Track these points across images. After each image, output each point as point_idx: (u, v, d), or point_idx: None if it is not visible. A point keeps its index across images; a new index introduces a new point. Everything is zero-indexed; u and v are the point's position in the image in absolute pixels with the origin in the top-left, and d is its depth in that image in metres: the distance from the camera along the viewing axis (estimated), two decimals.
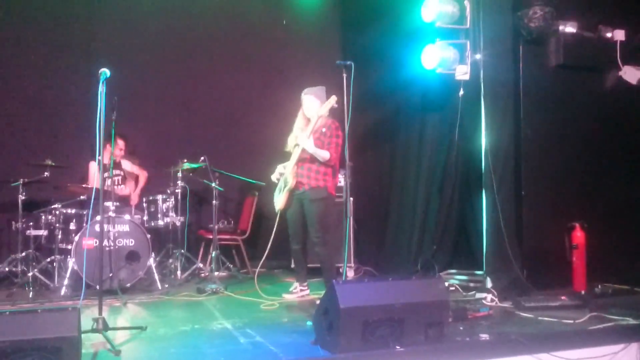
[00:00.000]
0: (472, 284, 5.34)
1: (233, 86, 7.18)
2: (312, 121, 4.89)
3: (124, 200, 6.05)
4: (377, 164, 6.88)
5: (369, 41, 6.61)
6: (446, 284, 5.38)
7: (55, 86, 6.48)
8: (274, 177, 5.11)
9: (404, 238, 6.35)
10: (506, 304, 4.69)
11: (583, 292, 4.94)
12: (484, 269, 5.22)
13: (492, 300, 4.79)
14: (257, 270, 5.25)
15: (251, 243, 6.80)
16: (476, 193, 5.51)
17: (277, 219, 5.03)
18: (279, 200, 5.01)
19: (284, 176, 5.01)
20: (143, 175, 6.37)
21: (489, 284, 5.07)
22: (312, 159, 4.89)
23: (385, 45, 6.26)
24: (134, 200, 6.18)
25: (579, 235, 5.12)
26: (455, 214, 5.97)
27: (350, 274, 6.28)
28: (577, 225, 5.14)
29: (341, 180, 6.14)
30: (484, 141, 5.22)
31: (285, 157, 5.13)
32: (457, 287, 5.29)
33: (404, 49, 5.79)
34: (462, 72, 5.34)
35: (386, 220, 6.67)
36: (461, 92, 5.44)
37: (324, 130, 4.90)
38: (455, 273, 5.79)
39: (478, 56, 5.28)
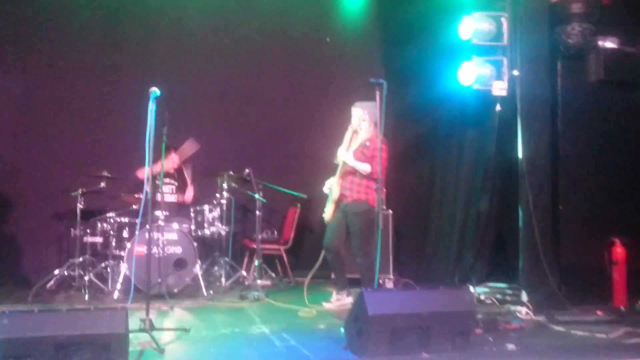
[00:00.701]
0: (508, 297, 5.41)
1: (278, 102, 7.45)
2: (359, 135, 5.12)
3: (175, 208, 6.35)
4: (417, 178, 7.01)
5: (407, 58, 6.79)
6: (482, 296, 5.48)
7: (112, 103, 6.89)
8: (325, 189, 5.35)
9: (443, 250, 6.46)
10: (540, 318, 4.74)
11: (622, 308, 4.93)
12: (520, 282, 5.28)
13: (526, 314, 4.85)
14: (308, 279, 5.43)
15: (293, 253, 7.02)
16: (513, 207, 5.58)
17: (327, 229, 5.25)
18: (328, 211, 5.26)
19: (332, 188, 5.24)
20: (191, 188, 6.67)
21: (524, 297, 5.13)
22: (355, 172, 5.11)
23: (423, 62, 6.43)
24: (188, 196, 6.43)
25: (619, 250, 5.12)
26: (493, 227, 6.03)
27: (390, 285, 6.42)
28: (617, 240, 5.13)
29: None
30: (520, 156, 5.31)
31: (334, 168, 5.35)
32: (493, 299, 5.36)
33: (441, 65, 5.93)
34: (499, 88, 5.45)
35: (426, 233, 6.78)
36: (498, 108, 5.56)
37: (367, 144, 5.11)
38: (492, 285, 5.83)
39: (515, 72, 5.39)
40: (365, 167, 5.05)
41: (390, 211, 6.65)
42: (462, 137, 6.28)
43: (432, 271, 6.45)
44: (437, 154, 6.68)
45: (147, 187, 4.37)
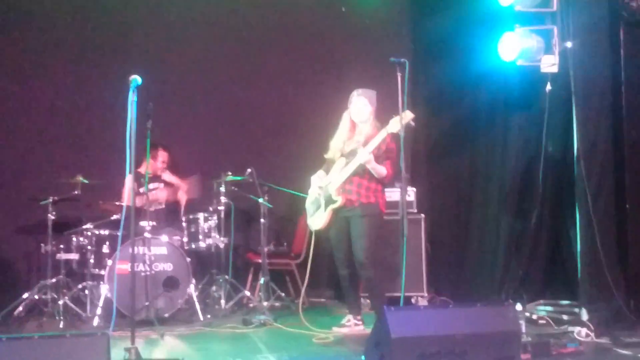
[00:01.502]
0: (565, 316, 5.48)
1: (284, 88, 7.59)
2: (363, 129, 5.21)
3: (165, 216, 6.52)
4: (455, 175, 7.10)
5: (438, 30, 6.89)
6: (534, 315, 5.55)
7: (87, 96, 7.08)
8: (312, 194, 5.45)
9: (486, 262, 6.55)
10: (603, 339, 4.80)
11: None
12: (579, 298, 5.34)
13: (586, 335, 4.90)
14: (301, 299, 5.59)
15: (307, 268, 7.08)
16: (569, 207, 5.64)
17: (313, 240, 5.35)
18: (319, 219, 5.32)
19: (325, 190, 5.31)
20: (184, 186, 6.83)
21: (584, 316, 5.20)
22: (364, 175, 5.21)
23: (457, 35, 6.53)
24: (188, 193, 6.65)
25: None
26: (547, 232, 6.12)
27: (424, 303, 6.49)
28: None
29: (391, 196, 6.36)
30: (576, 146, 5.37)
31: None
32: (549, 319, 5.42)
33: (478, 38, 6.05)
34: (549, 64, 5.53)
35: (466, 241, 6.88)
36: (548, 87, 5.61)
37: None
38: (547, 303, 5.91)
39: (568, 44, 5.45)
40: (382, 171, 5.17)
41: (423, 215, 6.74)
42: (506, 125, 6.37)
43: (475, 287, 6.54)
44: (476, 146, 6.77)
45: (129, 193, 4.53)
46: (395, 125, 4.86)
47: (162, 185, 6.72)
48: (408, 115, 4.83)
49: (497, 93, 6.38)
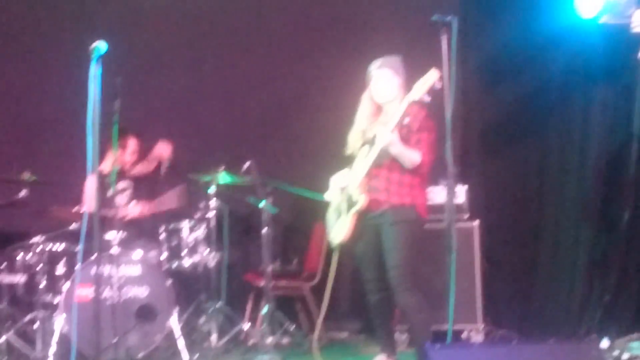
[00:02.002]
0: None
1: (289, 61, 7.62)
2: (388, 109, 5.17)
3: (136, 225, 6.57)
4: (519, 168, 7.07)
5: None
6: (625, 354, 5.52)
7: (36, 72, 7.17)
8: (330, 196, 5.42)
9: (562, 284, 6.51)
10: None
11: None
12: None
13: None
14: (317, 333, 5.56)
15: (324, 293, 7.10)
16: None
17: (337, 256, 5.31)
18: (340, 229, 5.27)
19: (346, 192, 5.28)
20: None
21: None
22: (392, 166, 5.11)
23: None
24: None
25: None
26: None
27: (479, 339, 6.50)
28: None
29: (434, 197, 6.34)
30: None
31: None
32: None
33: None
34: None
35: (534, 257, 6.84)
36: None
37: (406, 120, 5.10)
38: None
39: None
40: (413, 156, 5.05)
41: (477, 222, 6.72)
42: (586, 102, 6.34)
43: (546, 317, 6.50)
44: (547, 130, 6.73)
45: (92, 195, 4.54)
46: (420, 90, 4.89)
47: (131, 184, 6.75)
48: (433, 76, 4.85)
49: (574, 60, 6.35)
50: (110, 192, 6.07)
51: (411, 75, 5.16)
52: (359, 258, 5.38)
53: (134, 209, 6.64)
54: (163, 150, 6.81)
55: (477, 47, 7.11)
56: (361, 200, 5.14)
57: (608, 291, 6.09)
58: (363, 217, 5.21)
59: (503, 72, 6.99)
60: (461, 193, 6.67)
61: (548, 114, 6.75)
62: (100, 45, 4.49)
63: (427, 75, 4.87)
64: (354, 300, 6.95)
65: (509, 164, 7.14)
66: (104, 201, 6.03)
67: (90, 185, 6.20)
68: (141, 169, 6.79)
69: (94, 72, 4.45)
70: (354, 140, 5.37)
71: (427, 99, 4.86)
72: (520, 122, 6.98)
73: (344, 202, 5.30)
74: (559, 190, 6.68)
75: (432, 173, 5.33)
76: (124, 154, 6.65)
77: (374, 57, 5.37)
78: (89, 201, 6.22)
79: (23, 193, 6.08)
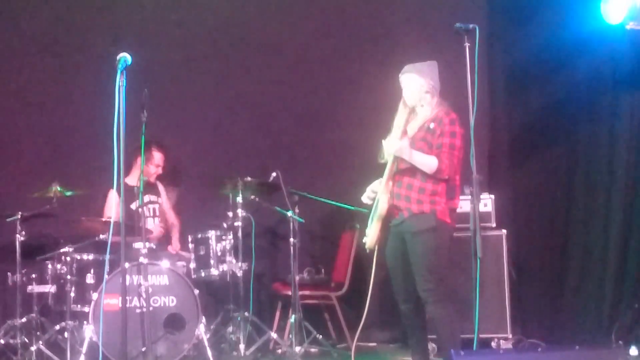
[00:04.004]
0: None
1: (316, 72, 7.66)
2: (418, 114, 5.18)
3: (161, 242, 6.66)
4: (546, 176, 7.08)
5: None
6: None
7: (64, 85, 7.26)
8: (365, 199, 5.43)
9: (591, 293, 6.49)
10: None
11: None
12: None
13: None
14: (354, 345, 5.56)
15: (352, 302, 7.14)
16: None
17: (374, 263, 5.31)
18: (370, 235, 5.27)
19: (377, 197, 5.29)
20: (176, 222, 7.02)
21: None
22: (414, 172, 5.13)
23: None
24: (176, 245, 6.82)
25: None
26: None
27: (507, 347, 6.49)
28: None
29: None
30: None
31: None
32: None
33: None
34: None
35: (563, 266, 6.83)
36: None
37: (431, 126, 5.12)
38: None
39: None
40: (430, 162, 5.05)
41: (504, 231, 6.73)
42: (615, 108, 6.33)
43: (576, 325, 6.49)
44: (575, 137, 6.73)
45: (117, 207, 4.58)
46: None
47: (159, 199, 6.86)
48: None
49: (602, 66, 6.35)
50: (135, 205, 6.14)
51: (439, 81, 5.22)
52: (388, 265, 5.34)
53: (157, 229, 6.77)
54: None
55: (504, 54, 7.15)
56: (382, 206, 5.14)
57: (638, 299, 6.09)
58: (386, 224, 5.21)
59: (530, 79, 7.03)
60: (488, 202, 6.67)
61: (576, 121, 6.75)
62: (126, 57, 4.56)
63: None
64: (384, 309, 6.93)
65: (536, 172, 7.15)
66: (129, 213, 6.05)
67: (113, 197, 6.33)
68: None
69: (120, 82, 4.52)
70: (388, 145, 5.22)
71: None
72: (548, 129, 6.99)
73: (374, 208, 5.32)
74: (587, 198, 6.67)
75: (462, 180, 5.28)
76: (148, 167, 6.72)
77: (401, 66, 5.40)
78: (110, 212, 6.26)
79: (52, 204, 6.13)
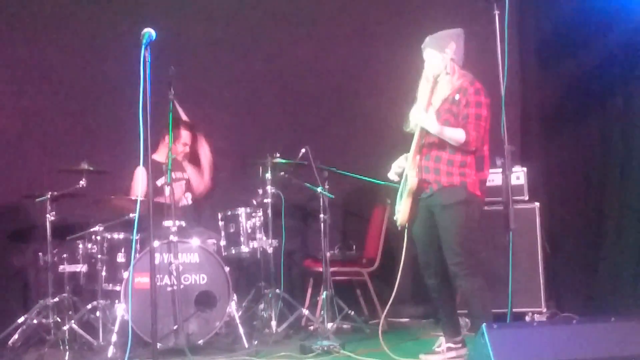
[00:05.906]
0: None
1: (343, 46, 7.68)
2: (442, 85, 5.12)
3: (194, 214, 6.70)
4: (580, 148, 7.00)
5: None
6: None
7: (90, 62, 7.31)
8: (392, 175, 5.42)
9: (626, 266, 6.43)
10: None
11: None
12: None
13: None
14: (382, 319, 5.61)
15: (383, 278, 7.19)
16: None
17: (405, 239, 5.31)
18: (401, 211, 5.26)
19: (405, 172, 5.28)
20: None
21: None
22: (442, 144, 5.11)
23: None
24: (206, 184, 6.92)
25: None
26: None
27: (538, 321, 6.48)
28: None
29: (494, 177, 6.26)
30: None
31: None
32: None
33: None
34: None
35: (598, 239, 6.78)
36: None
37: (457, 97, 5.09)
38: None
39: None
40: (457, 135, 5.02)
41: (537, 204, 6.71)
42: None
43: (610, 300, 6.44)
44: (610, 108, 6.65)
45: (146, 183, 4.60)
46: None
47: (185, 175, 6.91)
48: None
49: (635, 36, 6.23)
50: (162, 181, 6.19)
51: (469, 52, 5.18)
52: (416, 241, 5.34)
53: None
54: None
55: (535, 22, 7.10)
56: (412, 181, 5.11)
57: None
58: (416, 199, 5.20)
59: (562, 49, 6.93)
60: (520, 174, 6.65)
61: (609, 92, 6.66)
62: (150, 32, 4.58)
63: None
64: (415, 285, 6.94)
65: (569, 144, 7.08)
66: (157, 190, 6.15)
67: (140, 174, 6.34)
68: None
69: (144, 56, 4.54)
70: (413, 117, 5.22)
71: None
72: (581, 100, 6.91)
73: (403, 183, 5.30)
74: (621, 169, 6.58)
75: (492, 152, 5.27)
76: (175, 146, 6.70)
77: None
78: (137, 190, 6.30)
79: (81, 183, 6.16)
